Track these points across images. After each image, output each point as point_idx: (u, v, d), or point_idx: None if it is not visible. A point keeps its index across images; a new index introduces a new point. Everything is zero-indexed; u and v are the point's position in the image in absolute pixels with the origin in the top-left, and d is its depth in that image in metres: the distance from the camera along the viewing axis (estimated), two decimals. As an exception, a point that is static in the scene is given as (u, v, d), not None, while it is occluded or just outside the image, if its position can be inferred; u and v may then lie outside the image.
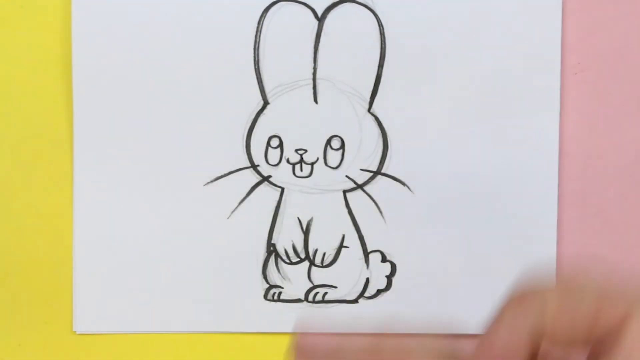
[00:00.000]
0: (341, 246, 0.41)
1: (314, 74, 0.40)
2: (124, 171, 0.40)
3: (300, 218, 0.41)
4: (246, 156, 0.40)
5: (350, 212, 0.40)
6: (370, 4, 0.40)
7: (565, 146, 0.41)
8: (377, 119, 0.40)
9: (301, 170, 0.40)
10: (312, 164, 0.40)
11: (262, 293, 0.41)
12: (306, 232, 0.41)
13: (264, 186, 0.40)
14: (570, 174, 0.41)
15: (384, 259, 0.41)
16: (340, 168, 0.40)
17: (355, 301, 0.41)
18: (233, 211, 0.40)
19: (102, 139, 0.40)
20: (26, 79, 0.40)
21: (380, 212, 0.41)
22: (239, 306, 0.41)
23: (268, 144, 0.40)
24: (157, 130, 0.40)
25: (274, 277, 0.41)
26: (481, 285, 0.41)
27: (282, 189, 0.40)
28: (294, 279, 0.41)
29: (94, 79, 0.40)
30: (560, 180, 0.41)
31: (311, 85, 0.40)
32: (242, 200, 0.40)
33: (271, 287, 0.41)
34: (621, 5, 0.41)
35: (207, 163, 0.40)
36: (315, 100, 0.40)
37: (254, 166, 0.40)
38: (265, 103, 0.40)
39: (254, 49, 0.40)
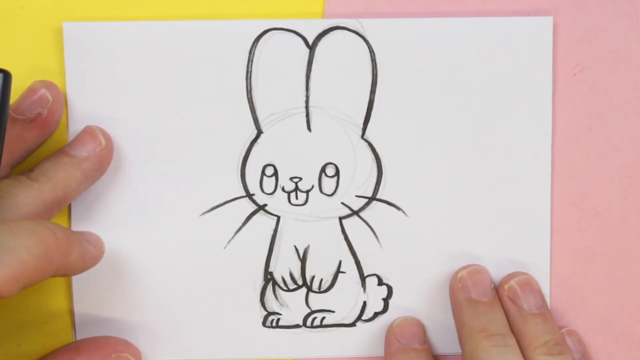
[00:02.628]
0: (338, 271, 0.41)
1: (307, 102, 0.40)
2: (120, 201, 0.40)
3: (297, 246, 0.41)
4: (241, 185, 0.40)
5: (346, 238, 0.41)
6: (361, 31, 0.39)
7: (565, 146, 0.41)
8: (370, 144, 0.40)
9: (296, 198, 0.40)
10: (307, 192, 0.40)
11: (261, 320, 0.41)
12: (303, 260, 0.41)
13: (260, 215, 0.40)
14: (569, 174, 0.41)
15: (380, 282, 0.41)
16: (335, 195, 0.40)
17: (352, 324, 0.41)
18: (230, 240, 0.40)
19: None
20: (26, 79, 0.39)
21: (376, 236, 0.41)
22: (238, 333, 0.41)
23: (263, 173, 0.40)
24: (151, 160, 0.40)
25: (272, 304, 0.41)
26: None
27: (278, 218, 0.40)
28: (292, 305, 0.41)
29: (88, 105, 0.39)
30: (559, 181, 0.41)
31: (304, 114, 0.40)
32: (239, 230, 0.40)
33: (269, 314, 0.41)
34: (620, 5, 0.40)
35: (202, 193, 0.40)
36: (309, 128, 0.40)
37: (249, 195, 0.40)
38: (259, 132, 0.40)
39: (246, 78, 0.40)
